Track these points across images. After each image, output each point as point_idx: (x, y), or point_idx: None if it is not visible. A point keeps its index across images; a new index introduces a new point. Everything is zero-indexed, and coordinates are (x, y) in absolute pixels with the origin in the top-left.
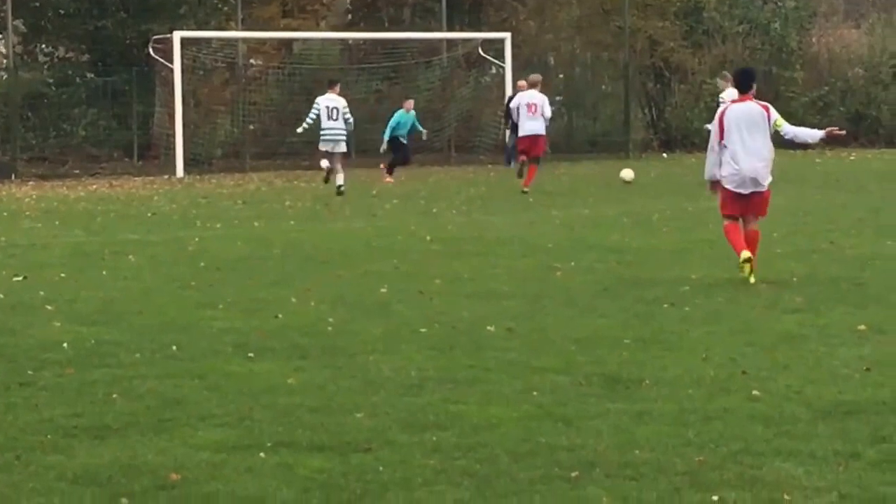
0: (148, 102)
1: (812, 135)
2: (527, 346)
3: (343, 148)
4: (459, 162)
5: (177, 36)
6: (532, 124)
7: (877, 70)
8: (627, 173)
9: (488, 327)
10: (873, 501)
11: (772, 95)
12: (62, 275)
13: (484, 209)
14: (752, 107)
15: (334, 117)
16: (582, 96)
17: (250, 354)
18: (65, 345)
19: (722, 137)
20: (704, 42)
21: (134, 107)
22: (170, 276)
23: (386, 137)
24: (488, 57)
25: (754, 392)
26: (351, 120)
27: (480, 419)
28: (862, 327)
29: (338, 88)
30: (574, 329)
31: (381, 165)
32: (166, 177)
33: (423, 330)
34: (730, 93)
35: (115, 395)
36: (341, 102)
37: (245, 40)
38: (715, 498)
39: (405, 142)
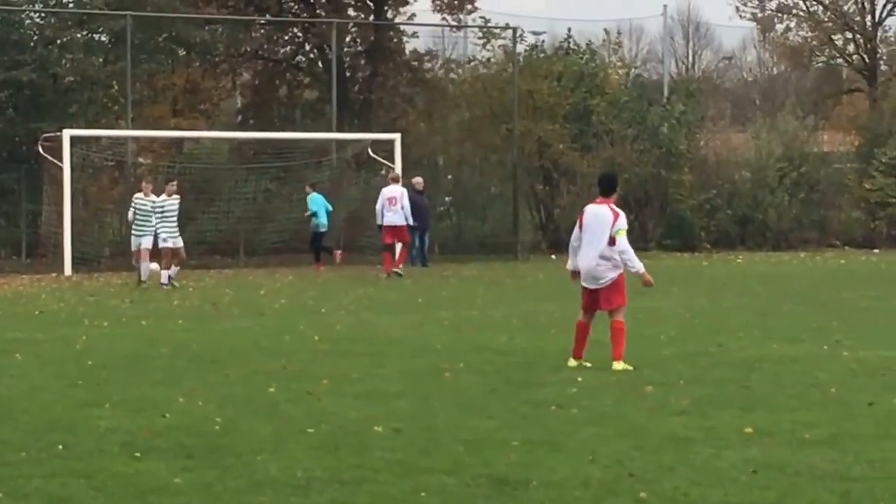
0: (36, 200)
1: (635, 265)
2: (414, 446)
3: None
4: (348, 262)
5: (66, 134)
6: (393, 216)
7: (763, 173)
8: None
9: (376, 427)
10: None
11: (661, 198)
12: None
13: (373, 309)
14: (605, 211)
15: None
16: (471, 197)
17: (137, 454)
18: None
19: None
20: (593, 145)
21: (23, 205)
22: (57, 375)
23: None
24: (378, 157)
25: (641, 494)
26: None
27: None
28: (749, 430)
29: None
30: (462, 430)
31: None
32: (54, 275)
33: (310, 430)
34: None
35: (0, 495)
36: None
37: (135, 139)
38: None
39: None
